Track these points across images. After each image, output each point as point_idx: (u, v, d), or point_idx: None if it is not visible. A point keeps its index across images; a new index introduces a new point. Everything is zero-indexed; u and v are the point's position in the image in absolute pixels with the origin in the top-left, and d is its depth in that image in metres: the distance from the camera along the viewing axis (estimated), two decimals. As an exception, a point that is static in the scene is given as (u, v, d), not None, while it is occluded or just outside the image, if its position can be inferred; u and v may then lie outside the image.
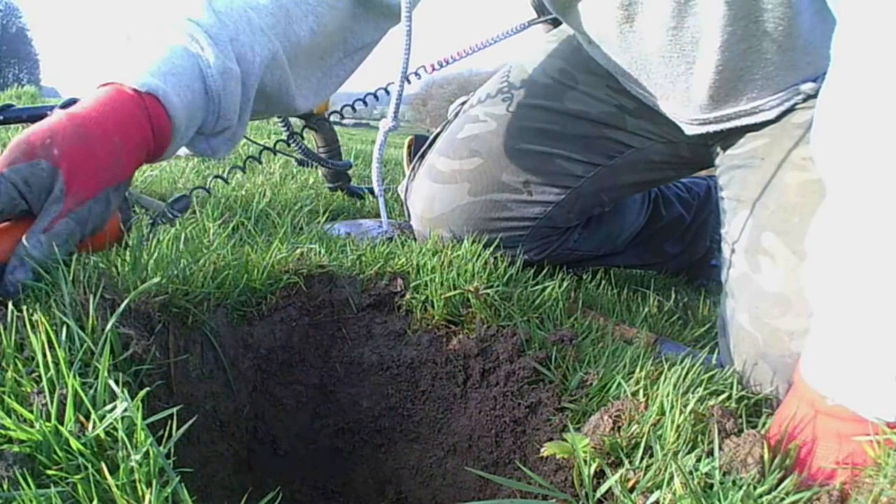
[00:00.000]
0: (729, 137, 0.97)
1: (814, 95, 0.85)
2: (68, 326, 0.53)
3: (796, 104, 0.87)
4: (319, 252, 0.90)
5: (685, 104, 0.92)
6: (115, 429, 0.45)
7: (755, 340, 0.81)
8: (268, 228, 1.14)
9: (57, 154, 0.55)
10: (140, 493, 0.43)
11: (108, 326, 0.53)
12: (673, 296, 1.29)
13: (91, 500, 0.42)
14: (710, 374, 0.73)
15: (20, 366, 0.50)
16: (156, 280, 0.66)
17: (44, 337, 0.51)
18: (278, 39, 0.70)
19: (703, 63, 0.84)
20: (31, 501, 0.41)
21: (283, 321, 0.82)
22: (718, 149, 1.01)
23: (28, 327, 0.53)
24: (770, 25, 0.78)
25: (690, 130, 0.97)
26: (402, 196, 1.22)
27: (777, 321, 0.79)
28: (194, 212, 1.05)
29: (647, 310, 1.13)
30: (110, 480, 0.43)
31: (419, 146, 1.26)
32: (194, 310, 0.71)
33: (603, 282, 1.27)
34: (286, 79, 0.74)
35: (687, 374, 0.69)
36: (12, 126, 1.90)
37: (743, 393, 0.72)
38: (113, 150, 0.58)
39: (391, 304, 0.84)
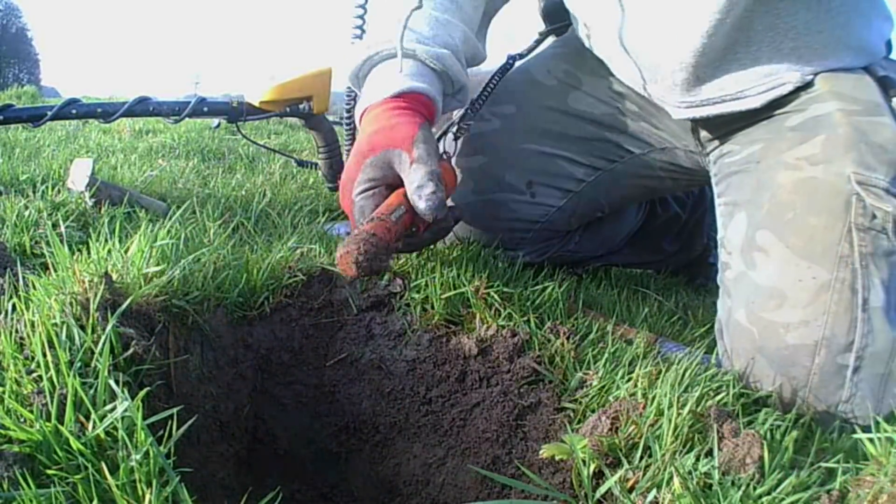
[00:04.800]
0: (723, 141, 0.99)
1: (802, 87, 0.89)
2: (68, 326, 0.53)
3: (782, 95, 0.89)
4: (319, 252, 0.90)
5: (672, 87, 0.95)
6: (115, 429, 0.45)
7: (751, 335, 0.81)
8: (268, 228, 1.14)
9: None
10: (140, 493, 0.43)
11: (108, 326, 0.53)
12: (673, 296, 1.29)
13: (91, 500, 0.43)
14: (709, 373, 0.73)
15: (20, 366, 0.50)
16: (156, 280, 0.67)
17: (44, 337, 0.51)
18: (462, 22, 1.02)
19: (691, 38, 0.88)
20: (31, 501, 0.41)
21: (283, 321, 0.82)
22: (714, 156, 1.02)
23: (28, 327, 0.53)
24: (761, 6, 0.83)
25: (678, 115, 0.99)
26: None
27: (772, 314, 0.79)
28: (194, 212, 1.05)
29: (647, 310, 1.13)
30: (110, 480, 0.43)
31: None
32: (194, 310, 0.71)
33: (603, 282, 1.27)
34: (475, 44, 1.05)
35: (685, 374, 0.69)
36: (12, 126, 1.91)
37: (741, 392, 0.72)
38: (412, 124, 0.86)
39: (391, 305, 0.84)
